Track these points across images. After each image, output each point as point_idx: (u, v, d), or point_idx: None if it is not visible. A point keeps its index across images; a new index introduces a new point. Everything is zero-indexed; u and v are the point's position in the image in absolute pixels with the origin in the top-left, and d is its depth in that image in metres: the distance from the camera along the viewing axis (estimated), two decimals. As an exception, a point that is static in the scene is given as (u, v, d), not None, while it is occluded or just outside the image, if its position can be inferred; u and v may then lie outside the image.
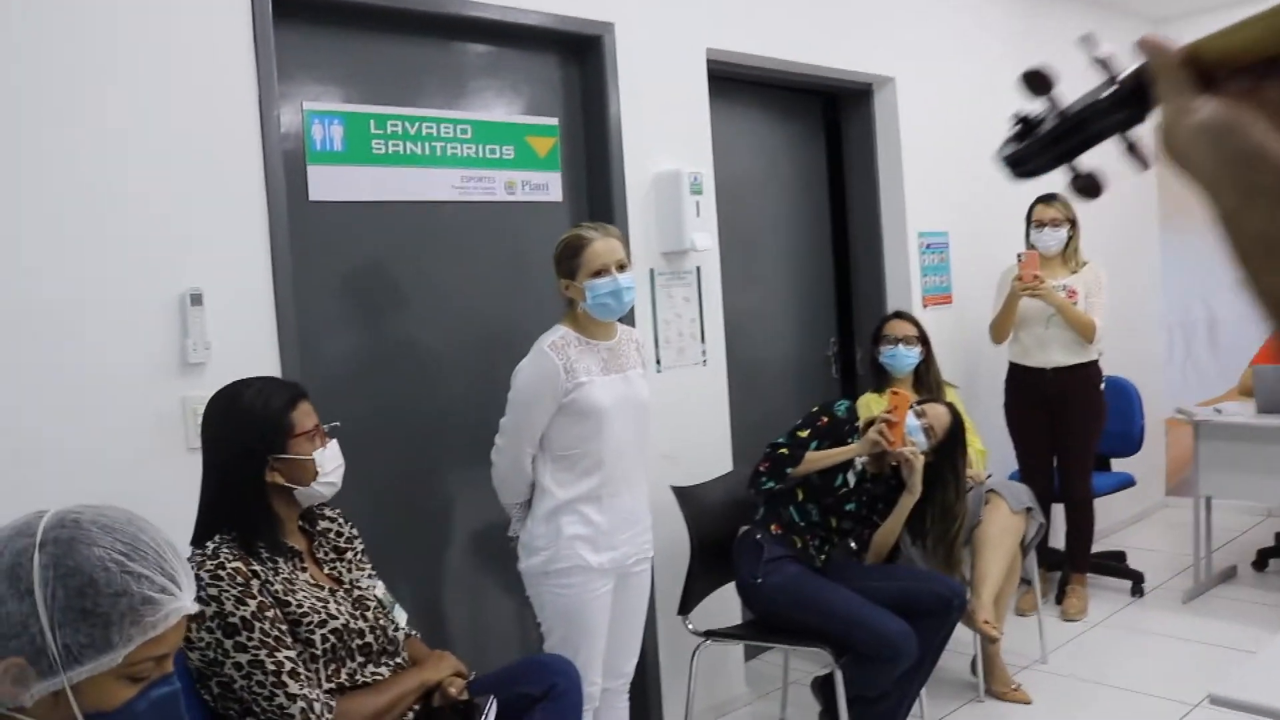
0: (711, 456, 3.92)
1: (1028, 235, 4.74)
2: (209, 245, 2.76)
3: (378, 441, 3.23)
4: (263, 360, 2.84)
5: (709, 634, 3.48)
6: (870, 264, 4.90)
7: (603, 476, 2.91)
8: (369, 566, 2.38)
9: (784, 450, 3.38)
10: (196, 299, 2.71)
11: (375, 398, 3.24)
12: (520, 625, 3.58)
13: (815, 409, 3.54)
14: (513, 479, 2.93)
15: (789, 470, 3.36)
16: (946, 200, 4.99)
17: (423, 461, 3.36)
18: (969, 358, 5.02)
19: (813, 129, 4.87)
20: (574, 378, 2.84)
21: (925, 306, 4.85)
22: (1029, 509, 4.05)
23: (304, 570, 2.19)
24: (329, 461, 2.24)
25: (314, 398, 2.93)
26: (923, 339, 4.27)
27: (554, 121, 3.64)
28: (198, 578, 2.00)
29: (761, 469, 3.40)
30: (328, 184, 3.11)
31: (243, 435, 2.14)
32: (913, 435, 3.40)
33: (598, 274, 2.86)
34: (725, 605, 3.81)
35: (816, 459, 3.38)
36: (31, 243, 2.50)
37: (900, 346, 4.21)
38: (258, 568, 2.06)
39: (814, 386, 4.81)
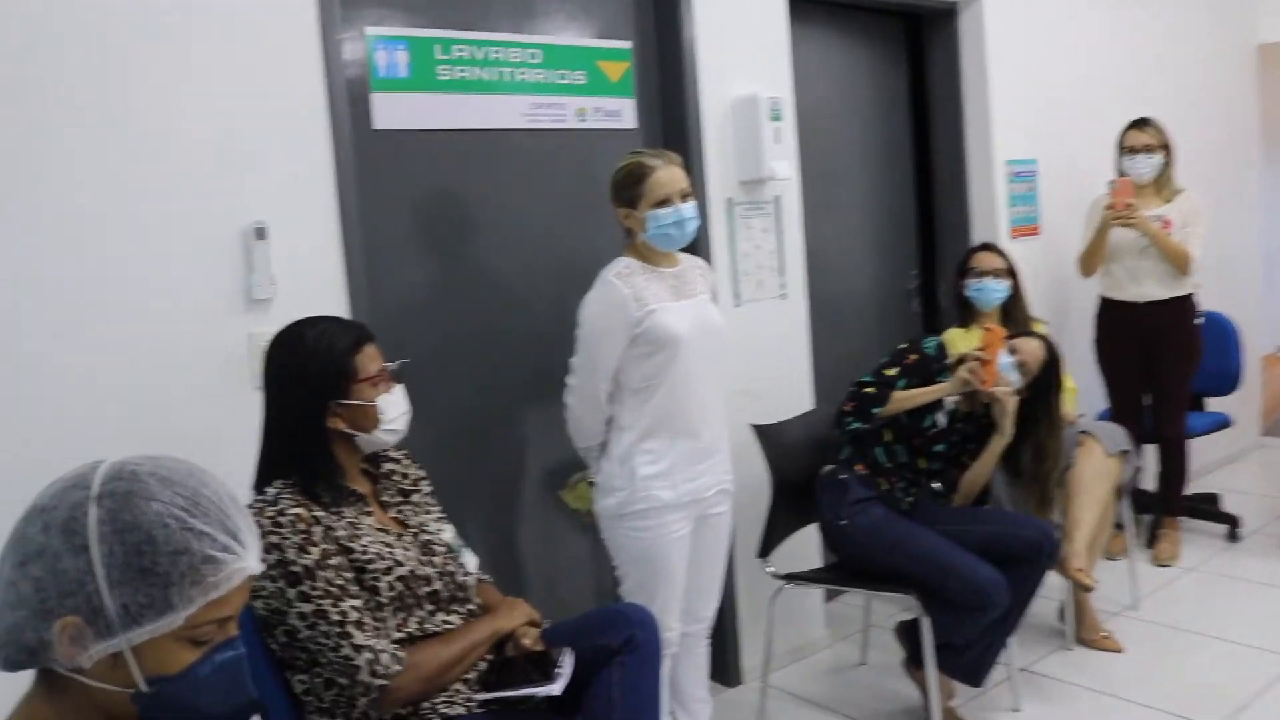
0: (792, 393, 3.78)
1: (1119, 162, 4.49)
2: (272, 178, 2.66)
3: (447, 377, 3.14)
4: (329, 294, 2.75)
5: (790, 578, 3.36)
6: (954, 194, 4.69)
7: (679, 408, 2.80)
8: (437, 509, 2.28)
9: (870, 389, 3.22)
10: (261, 233, 2.62)
11: (444, 332, 3.14)
12: (596, 568, 3.50)
13: (903, 345, 3.37)
14: (589, 420, 2.82)
15: (875, 410, 3.20)
16: (1035, 126, 4.75)
17: (493, 398, 3.27)
18: (1058, 292, 4.81)
19: (895, 52, 4.64)
20: (644, 305, 2.72)
21: (1012, 238, 4.64)
22: (1124, 452, 3.86)
23: (368, 515, 2.10)
24: (393, 408, 2.13)
25: (381, 333, 2.84)
26: (1011, 272, 4.08)
27: (627, 45, 3.48)
28: (257, 524, 1.92)
29: (846, 409, 3.25)
30: (392, 112, 2.99)
31: (304, 379, 2.04)
32: (1005, 373, 3.23)
33: (661, 204, 2.73)
34: (805, 547, 3.70)
35: (904, 398, 3.22)
36: (91, 180, 2.41)
37: (988, 280, 4.02)
38: (319, 514, 1.97)
39: (895, 321, 4.64)
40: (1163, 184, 4.47)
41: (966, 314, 4.13)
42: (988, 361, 3.17)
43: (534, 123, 3.27)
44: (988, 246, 4.15)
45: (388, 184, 3.00)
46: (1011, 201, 4.67)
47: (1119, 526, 4.19)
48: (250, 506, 1.96)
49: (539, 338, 3.28)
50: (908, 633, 3.39)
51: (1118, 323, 4.55)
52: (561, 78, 3.31)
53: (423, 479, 2.29)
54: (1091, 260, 4.50)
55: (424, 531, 2.17)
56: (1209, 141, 5.62)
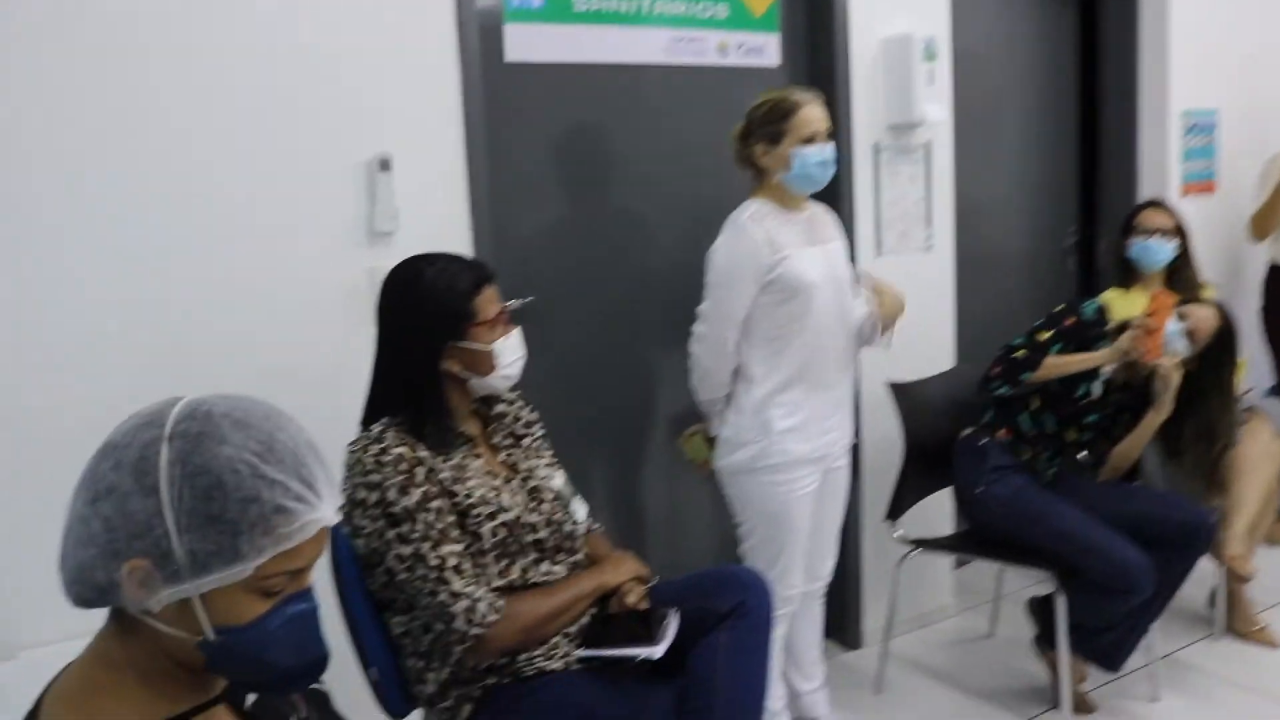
0: (932, 351, 3.59)
1: None
2: (398, 109, 2.61)
3: (570, 319, 3.07)
4: (453, 230, 2.70)
5: (918, 543, 3.21)
6: (1122, 145, 4.36)
7: (812, 359, 2.69)
8: (549, 454, 2.20)
9: (1021, 352, 3.02)
10: (385, 165, 2.58)
11: (569, 274, 3.07)
12: (717, 522, 3.39)
13: (1060, 308, 3.14)
14: (716, 370, 2.71)
15: (1025, 376, 3.00)
16: (1219, 73, 4.37)
17: (618, 341, 3.19)
18: (1231, 256, 4.46)
19: (1065, -10, 4.33)
20: (777, 251, 2.60)
21: (1184, 195, 4.31)
22: (1296, 431, 3.56)
23: (477, 457, 2.03)
24: (509, 353, 2.05)
25: (503, 270, 2.78)
26: (1180, 232, 3.76)
27: (774, -24, 3.30)
28: (360, 463, 1.87)
29: (993, 372, 3.05)
30: (525, 44, 2.90)
31: (420, 318, 1.96)
32: (1172, 343, 2.98)
33: (808, 141, 2.60)
34: (936, 512, 3.53)
35: (1057, 365, 3.01)
36: (212, 108, 2.39)
37: (1154, 239, 3.72)
38: (424, 454, 1.91)
39: (1048, 280, 4.38)
40: None
41: (1128, 275, 3.83)
42: (1153, 330, 2.93)
43: (672, 58, 3.14)
44: (1156, 203, 3.84)
45: (517, 119, 2.92)
46: (1186, 155, 4.34)
47: (1282, 513, 3.87)
48: (353, 443, 1.92)
49: (667, 282, 3.18)
50: (1040, 609, 3.22)
51: None
52: (703, 10, 3.17)
53: (535, 423, 2.21)
54: (1266, 222, 4.15)
55: (533, 477, 2.10)
56: None
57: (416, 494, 1.86)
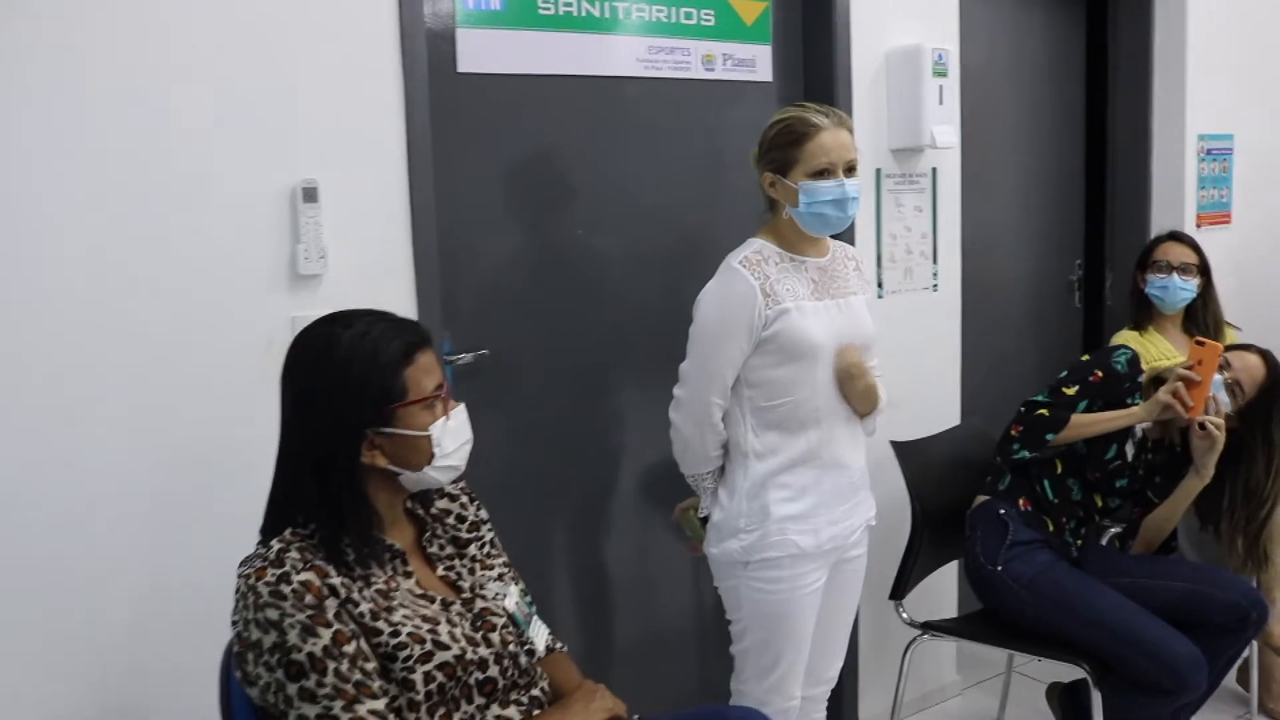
0: (938, 404, 3.23)
1: None
2: (325, 128, 2.22)
3: (532, 373, 2.68)
4: (393, 273, 2.32)
5: (927, 627, 2.83)
6: (1133, 172, 4.05)
7: (821, 434, 2.28)
8: (500, 562, 1.78)
9: (1044, 410, 2.66)
10: (310, 194, 2.19)
11: (532, 320, 2.68)
12: (698, 605, 3.01)
13: (1086, 358, 2.79)
14: (698, 442, 2.29)
15: (1049, 437, 2.64)
16: (1235, 96, 4.07)
17: (588, 399, 2.79)
18: (1249, 293, 4.12)
19: (1072, 4, 4.01)
20: (775, 302, 2.19)
21: (1199, 226, 4.00)
22: (1342, 492, 3.22)
23: (408, 575, 1.60)
24: (451, 439, 1.62)
25: (455, 321, 2.38)
26: (1203, 269, 3.46)
27: (765, -20, 2.95)
28: (253, 593, 1.45)
29: (1014, 433, 2.70)
30: (481, 52, 2.52)
31: (333, 398, 1.53)
32: (1216, 398, 2.63)
33: (820, 174, 2.19)
34: (939, 584, 3.15)
35: (1085, 424, 2.66)
36: (95, 126, 1.97)
37: (1175, 276, 3.42)
38: (338, 580, 1.48)
39: (1054, 318, 4.06)
40: None
41: (1143, 315, 3.55)
42: (1197, 383, 2.57)
43: (651, 70, 2.78)
44: (1177, 236, 3.54)
45: (471, 139, 2.54)
46: (1201, 183, 4.02)
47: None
48: (245, 564, 1.49)
49: (645, 329, 2.81)
50: (1067, 701, 2.86)
51: None
52: (686, 17, 2.81)
53: (484, 523, 1.79)
54: None
55: (481, 596, 1.67)
56: None
57: (326, 635, 1.43)
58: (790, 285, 2.23)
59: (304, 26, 2.16)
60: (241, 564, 1.49)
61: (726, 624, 2.39)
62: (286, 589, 1.43)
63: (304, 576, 1.45)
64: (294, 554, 1.47)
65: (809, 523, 2.27)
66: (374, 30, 2.24)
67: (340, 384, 1.52)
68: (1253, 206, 4.18)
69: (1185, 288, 3.43)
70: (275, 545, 1.49)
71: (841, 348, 2.27)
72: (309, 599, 1.44)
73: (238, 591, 1.47)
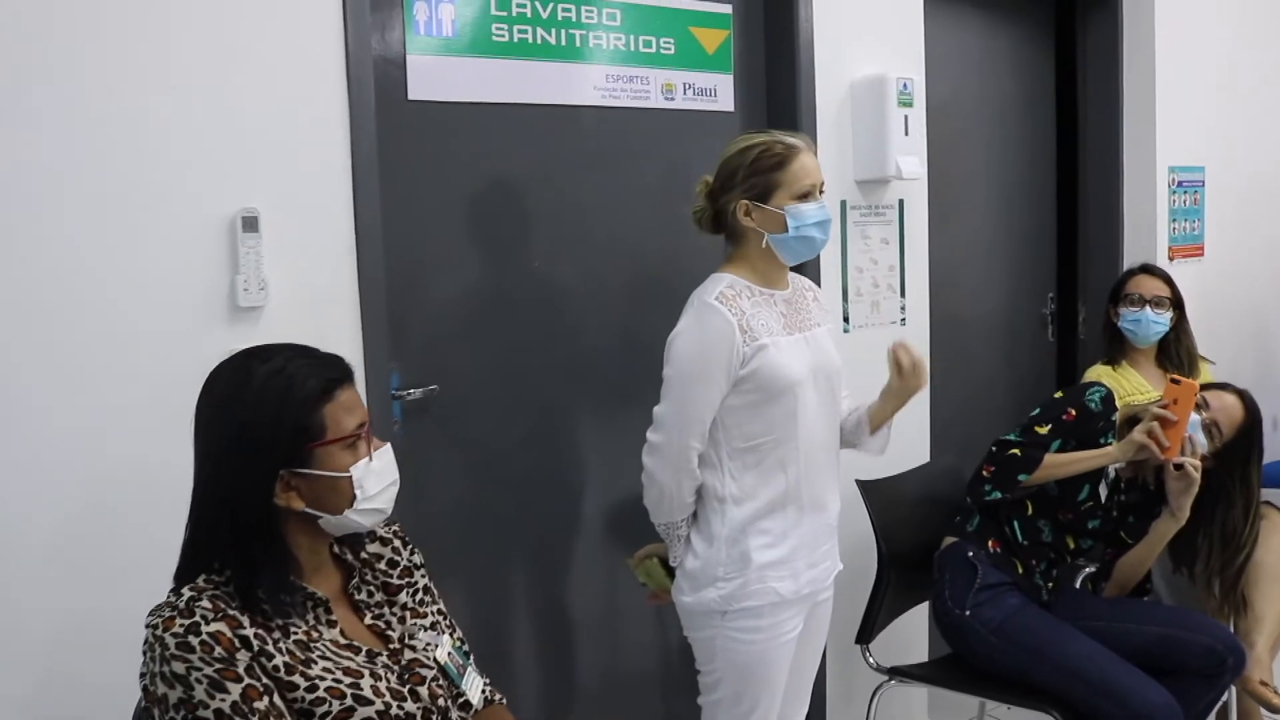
0: (907, 442, 3.13)
1: None
2: (267, 155, 2.12)
3: (485, 411, 2.58)
4: (338, 305, 2.22)
5: (894, 672, 2.74)
6: (1104, 204, 4.01)
7: (800, 474, 2.19)
8: (434, 609, 1.67)
9: (1016, 450, 2.58)
10: (250, 223, 2.08)
11: (485, 356, 2.57)
12: (666, 663, 2.91)
13: (1059, 396, 2.72)
14: (677, 489, 2.18)
15: (1022, 477, 2.57)
16: (1205, 128, 4.04)
17: (544, 438, 2.68)
18: (1222, 326, 4.07)
19: (1040, 35, 3.97)
20: (753, 339, 2.11)
21: (1171, 259, 3.96)
22: (1320, 531, 3.15)
23: (332, 625, 1.49)
24: (374, 480, 1.51)
25: (404, 355, 2.28)
26: (1176, 302, 3.41)
27: (727, 9, 2.88)
28: (160, 644, 1.34)
29: (985, 473, 2.62)
30: (433, 79, 2.43)
31: (246, 436, 1.43)
32: (1192, 437, 2.56)
33: (804, 196, 2.13)
34: (909, 628, 3.06)
35: (1059, 464, 2.58)
36: (32, 152, 1.87)
37: (1148, 310, 3.36)
38: (251, 632, 1.37)
39: (1026, 352, 3.99)
40: None
41: (1116, 349, 3.50)
42: (1174, 423, 2.50)
43: (610, 99, 2.70)
44: (1149, 269, 3.49)
45: (423, 168, 2.45)
46: (1172, 215, 3.98)
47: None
48: (154, 614, 1.38)
49: (603, 366, 2.73)
50: (1038, 749, 2.75)
51: None
52: (646, 45, 2.74)
53: (417, 568, 1.68)
54: None
55: (409, 647, 1.57)
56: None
57: (235, 691, 1.32)
58: (765, 320, 2.15)
59: (244, 51, 2.07)
60: (150, 613, 1.38)
61: (695, 674, 2.29)
62: (195, 640, 1.33)
63: (214, 627, 1.34)
64: (205, 603, 1.37)
65: (789, 568, 2.18)
66: (319, 56, 2.16)
67: (253, 421, 1.42)
68: (1225, 239, 4.15)
69: (1158, 321, 3.37)
70: (186, 593, 1.38)
71: (903, 344, 2.27)
72: (219, 651, 1.33)
73: (145, 643, 1.37)
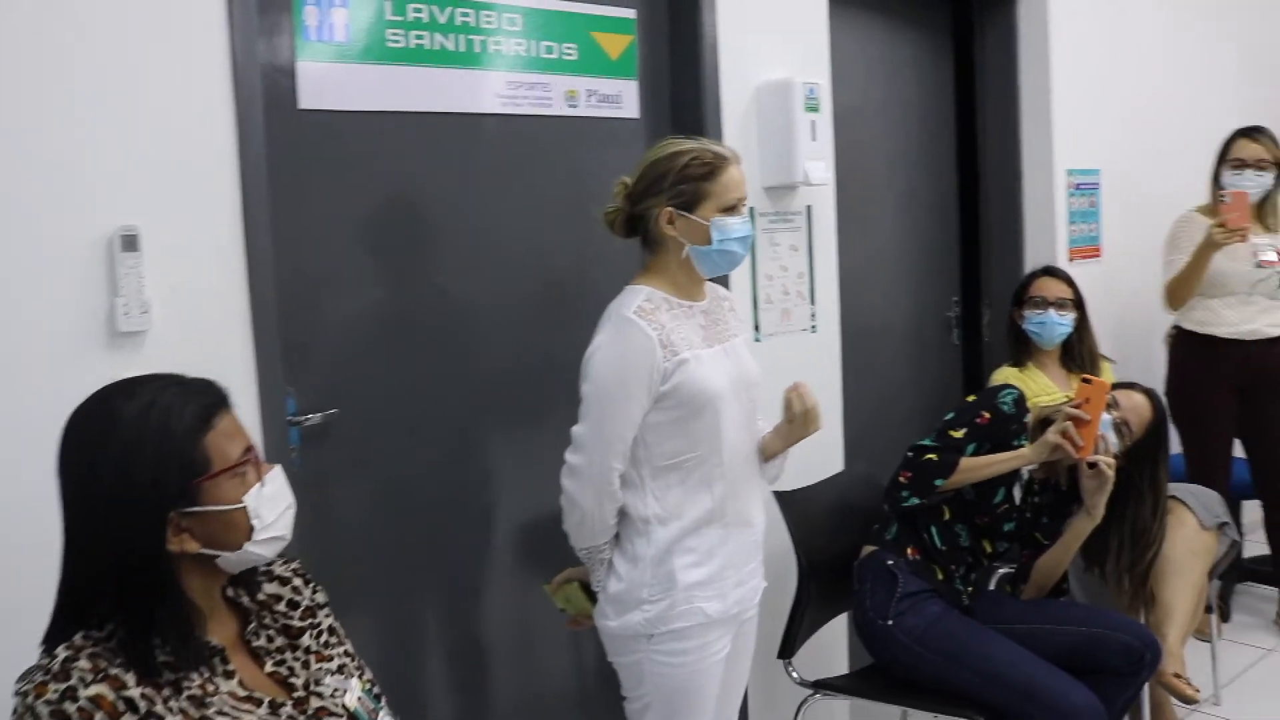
0: (821, 450, 3.09)
1: (1217, 178, 3.77)
2: (149, 169, 1.98)
3: (388, 434, 2.45)
4: (228, 327, 2.09)
5: (818, 685, 2.70)
6: (1005, 207, 4.03)
7: (725, 490, 2.13)
8: (340, 650, 1.56)
9: (932, 455, 2.56)
10: (129, 242, 1.95)
11: (386, 376, 2.45)
12: (586, 687, 2.82)
13: (972, 399, 2.71)
14: (597, 512, 2.09)
15: (939, 482, 2.54)
16: (1099, 133, 4.10)
17: (454, 461, 2.57)
18: (1121, 325, 4.14)
19: (939, 40, 3.98)
20: (673, 353, 2.04)
21: (1071, 260, 4.00)
22: (1223, 524, 3.20)
23: (229, 676, 1.37)
24: (270, 506, 1.39)
25: (301, 377, 2.15)
26: (1078, 303, 3.45)
27: (630, 13, 2.81)
28: (31, 711, 1.21)
29: (902, 480, 2.59)
30: (325, 87, 2.31)
31: (126, 484, 1.29)
32: (1104, 437, 2.57)
33: (731, 209, 2.07)
34: (829, 640, 3.02)
35: (975, 467, 2.57)
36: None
37: (1053, 312, 3.40)
38: (137, 692, 1.24)
39: (932, 356, 3.98)
40: (1268, 210, 3.76)
41: (1022, 351, 3.53)
42: (1087, 423, 2.50)
43: (511, 106, 2.60)
44: (1051, 271, 3.53)
45: (317, 180, 2.33)
46: (1070, 218, 4.02)
47: (1208, 609, 3.50)
48: (23, 680, 1.25)
49: (510, 383, 2.62)
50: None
51: (1212, 363, 3.82)
52: (548, 51, 2.65)
53: (320, 607, 1.56)
54: (1185, 288, 3.75)
55: (315, 694, 1.46)
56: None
57: None
58: (685, 333, 2.08)
59: (121, 57, 1.94)
60: (19, 679, 1.24)
61: (619, 700, 2.20)
62: (71, 707, 1.19)
63: (94, 690, 1.21)
64: (83, 663, 1.24)
65: (716, 587, 2.11)
66: (202, 62, 2.03)
67: (131, 466, 1.28)
68: (1120, 239, 4.20)
69: (1062, 323, 3.41)
70: (61, 654, 1.25)
71: (797, 388, 2.20)
72: (99, 717, 1.20)
73: (14, 714, 1.23)
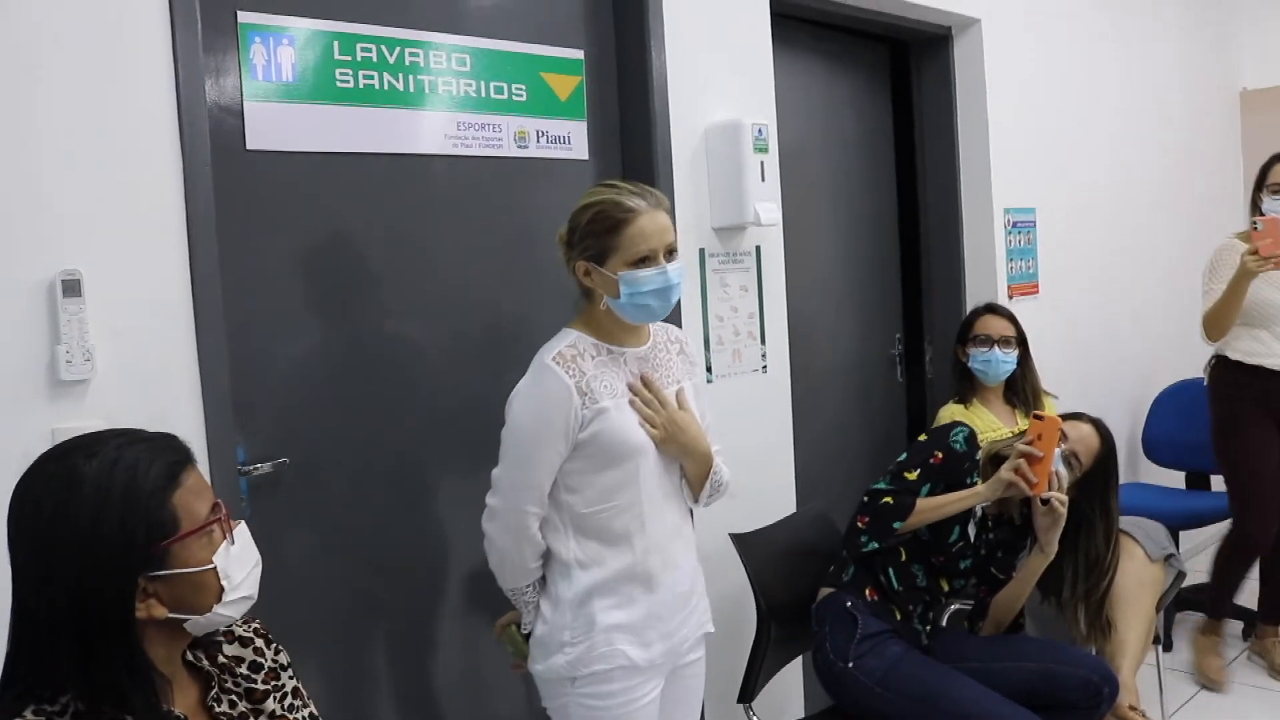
0: (774, 492, 3.08)
1: (1256, 203, 3.66)
2: (91, 211, 1.92)
3: (339, 479, 2.39)
4: (174, 375, 2.02)
5: (779, 730, 2.66)
6: (946, 245, 4.06)
7: (646, 543, 2.08)
8: (306, 713, 1.49)
9: (888, 499, 2.55)
10: (71, 287, 1.88)
11: (336, 422, 2.39)
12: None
13: (924, 439, 2.71)
14: (515, 554, 2.07)
15: (896, 525, 2.53)
16: (1033, 171, 4.16)
17: (406, 508, 2.51)
18: (1060, 361, 4.19)
19: (877, 82, 4.03)
20: (593, 402, 2.00)
21: (1010, 297, 4.04)
22: (1169, 555, 3.23)
23: None
24: (238, 566, 1.32)
25: (252, 425, 2.10)
26: (1020, 339, 3.48)
27: (579, 54, 2.79)
28: None
29: (860, 524, 2.58)
30: (273, 128, 2.26)
31: (89, 550, 1.20)
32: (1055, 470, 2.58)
33: (641, 262, 2.01)
34: (785, 683, 3.00)
35: (931, 507, 2.56)
36: None
37: (997, 350, 3.43)
38: None
39: (878, 394, 4.00)
40: None
41: (966, 388, 3.55)
42: (1040, 459, 2.51)
43: (461, 147, 2.56)
44: (994, 309, 3.55)
45: (265, 223, 2.27)
46: (1009, 256, 4.07)
47: (1155, 640, 3.52)
48: None
49: (464, 426, 2.56)
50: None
51: (1266, 396, 3.68)
52: (497, 91, 2.62)
53: (284, 668, 1.49)
54: (1225, 318, 3.61)
55: (281, 760, 1.39)
56: (1194, 190, 5.24)
57: None
58: (608, 381, 2.04)
59: (64, 96, 1.88)
60: None
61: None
62: None
63: None
64: (35, 740, 1.16)
65: (640, 635, 2.07)
66: (147, 101, 1.97)
67: (96, 529, 1.20)
68: (1056, 276, 4.27)
69: (1006, 360, 3.43)
70: None
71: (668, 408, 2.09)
72: None
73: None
